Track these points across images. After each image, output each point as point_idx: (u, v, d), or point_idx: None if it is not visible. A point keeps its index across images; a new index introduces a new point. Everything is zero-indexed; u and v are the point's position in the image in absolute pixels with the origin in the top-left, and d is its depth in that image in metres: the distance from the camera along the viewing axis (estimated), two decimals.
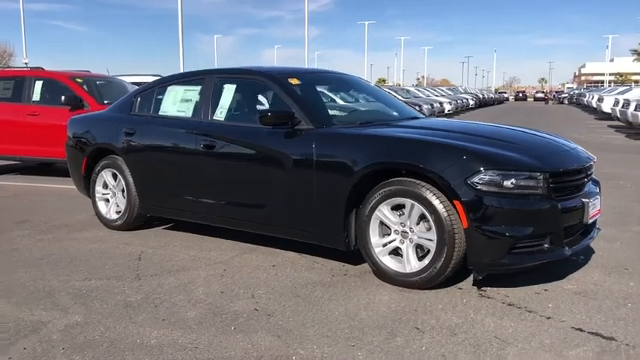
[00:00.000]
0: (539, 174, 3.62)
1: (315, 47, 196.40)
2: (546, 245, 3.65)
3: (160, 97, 5.43)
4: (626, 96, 24.31)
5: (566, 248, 3.74)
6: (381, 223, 3.93)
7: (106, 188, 5.65)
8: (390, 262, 3.91)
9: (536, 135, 4.47)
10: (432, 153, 3.73)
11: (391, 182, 3.83)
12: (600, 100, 27.71)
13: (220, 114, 4.86)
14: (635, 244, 4.90)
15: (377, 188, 3.89)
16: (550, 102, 58.42)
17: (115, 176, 5.56)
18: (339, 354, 2.89)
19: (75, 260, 4.57)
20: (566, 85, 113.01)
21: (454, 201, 3.57)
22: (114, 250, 4.86)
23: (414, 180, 3.74)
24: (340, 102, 6.55)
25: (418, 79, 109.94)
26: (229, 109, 4.88)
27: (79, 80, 9.16)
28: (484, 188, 3.53)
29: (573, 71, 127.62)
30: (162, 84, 5.53)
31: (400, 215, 3.84)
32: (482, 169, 3.55)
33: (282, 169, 4.31)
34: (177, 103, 5.23)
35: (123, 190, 5.48)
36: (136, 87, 6.85)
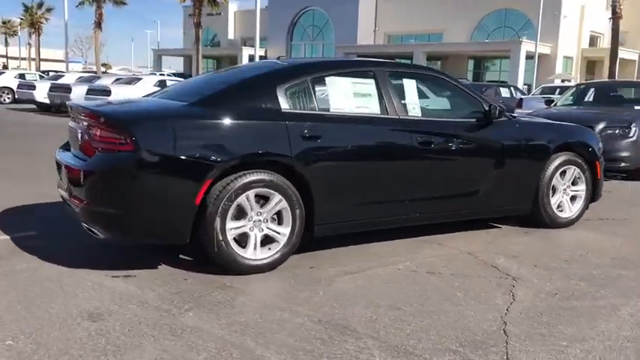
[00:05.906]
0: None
1: None
2: None
3: (318, 90, 4.30)
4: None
5: None
6: (552, 186, 5.45)
7: (241, 219, 3.95)
8: (559, 214, 5.51)
9: None
10: (590, 135, 5.70)
11: (560, 155, 5.42)
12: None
13: (414, 109, 4.67)
14: None
15: (553, 160, 5.35)
16: None
17: (260, 199, 4.00)
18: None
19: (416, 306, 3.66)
20: None
21: (596, 162, 5.64)
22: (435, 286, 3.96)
23: (573, 152, 5.51)
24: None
25: None
26: (419, 104, 4.74)
27: None
28: (600, 153, 5.79)
29: None
30: (314, 74, 4.38)
31: (563, 178, 5.51)
32: (601, 141, 5.81)
33: (493, 155, 5.01)
34: (351, 98, 4.39)
35: (276, 216, 4.08)
36: None
